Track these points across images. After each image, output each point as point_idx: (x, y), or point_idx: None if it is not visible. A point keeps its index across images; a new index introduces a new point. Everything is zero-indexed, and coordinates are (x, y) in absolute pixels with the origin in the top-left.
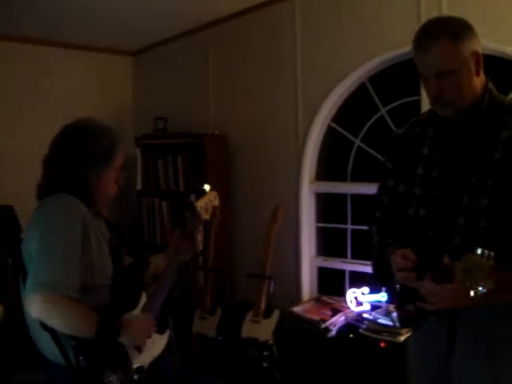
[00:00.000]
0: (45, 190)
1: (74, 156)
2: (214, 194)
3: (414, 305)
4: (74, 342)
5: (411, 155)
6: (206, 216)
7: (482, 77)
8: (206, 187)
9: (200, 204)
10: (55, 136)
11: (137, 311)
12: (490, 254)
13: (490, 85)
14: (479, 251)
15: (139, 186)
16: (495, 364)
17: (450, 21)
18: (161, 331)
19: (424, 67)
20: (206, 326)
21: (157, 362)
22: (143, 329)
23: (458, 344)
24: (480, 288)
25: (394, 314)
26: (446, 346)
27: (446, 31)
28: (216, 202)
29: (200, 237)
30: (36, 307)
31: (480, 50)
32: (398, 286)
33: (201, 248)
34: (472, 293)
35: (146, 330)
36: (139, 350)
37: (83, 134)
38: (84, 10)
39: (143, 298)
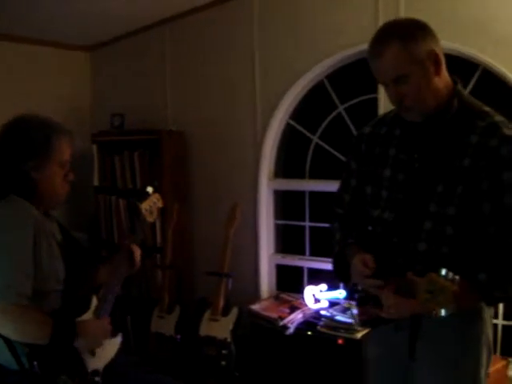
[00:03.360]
0: None
1: (11, 151)
2: (157, 196)
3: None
4: (27, 349)
5: (378, 156)
6: (150, 219)
7: (446, 77)
8: (149, 189)
9: (144, 207)
10: None
11: (88, 314)
12: (454, 278)
13: (460, 86)
14: (443, 272)
15: (96, 183)
16: (454, 370)
17: (402, 23)
18: (113, 333)
19: (379, 74)
20: (165, 324)
21: (113, 363)
22: (100, 332)
23: (418, 350)
24: (442, 311)
25: (354, 311)
26: (408, 352)
27: (397, 35)
28: (160, 204)
29: (138, 253)
30: None
31: (438, 50)
32: (360, 287)
33: (139, 263)
34: (433, 313)
35: (103, 332)
36: (93, 353)
37: (18, 128)
38: (40, 5)
39: (94, 301)
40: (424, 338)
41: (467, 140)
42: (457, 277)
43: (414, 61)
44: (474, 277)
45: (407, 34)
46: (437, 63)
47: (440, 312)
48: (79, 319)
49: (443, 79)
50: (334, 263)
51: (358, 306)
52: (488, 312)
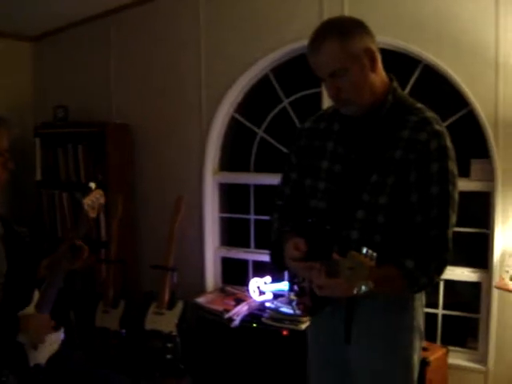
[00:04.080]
0: None
1: None
2: (100, 191)
3: (311, 294)
4: None
5: (316, 150)
6: (92, 214)
7: (382, 74)
8: (92, 185)
9: (87, 202)
10: None
11: (30, 308)
12: (372, 255)
13: (395, 84)
14: (364, 250)
15: (38, 177)
16: (388, 355)
17: (339, 21)
18: (55, 327)
19: (317, 69)
20: (109, 319)
21: (57, 358)
22: (42, 327)
23: (354, 335)
24: (362, 287)
25: (294, 302)
26: (344, 335)
27: (335, 31)
28: (102, 200)
29: (85, 249)
30: None
31: (374, 47)
32: (297, 280)
33: (85, 259)
34: (355, 291)
35: (45, 327)
36: (35, 347)
37: None
38: None
39: (36, 295)
40: (358, 323)
41: (399, 134)
42: (374, 254)
43: (350, 56)
44: (401, 263)
45: (344, 30)
46: (373, 60)
47: (361, 289)
48: (21, 313)
49: (379, 76)
50: (271, 251)
51: (297, 296)
52: (418, 300)
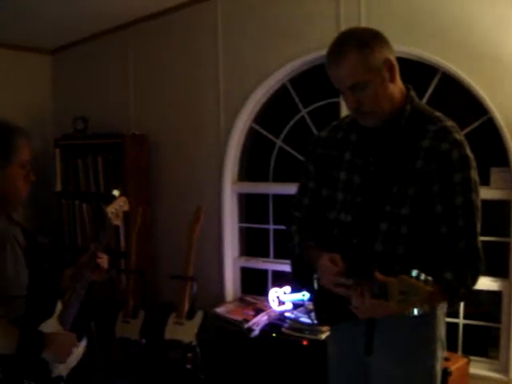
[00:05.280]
0: None
1: None
2: (124, 199)
3: (333, 306)
4: None
5: (333, 159)
6: (116, 222)
7: (400, 84)
8: (116, 192)
9: (110, 210)
10: None
11: (53, 319)
12: (427, 279)
13: (412, 93)
14: (414, 273)
15: (58, 188)
16: (411, 365)
17: (358, 33)
18: (78, 339)
19: (337, 82)
20: (129, 329)
21: (79, 369)
22: (66, 346)
23: (375, 345)
24: (415, 311)
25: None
26: (365, 347)
27: (354, 44)
28: (126, 207)
29: (105, 259)
30: None
31: (393, 58)
32: (316, 287)
33: (105, 269)
34: (406, 313)
35: (69, 346)
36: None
37: None
38: (2, 9)
39: (59, 306)
40: (380, 334)
41: (419, 143)
42: (430, 278)
43: (371, 69)
44: (440, 276)
45: (364, 43)
46: (391, 70)
47: (413, 312)
48: (44, 326)
49: (397, 86)
50: (293, 266)
51: (315, 306)
52: (440, 310)
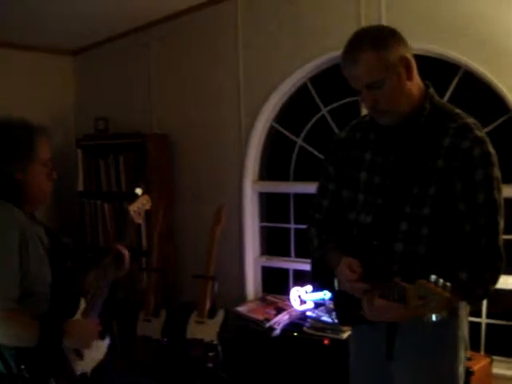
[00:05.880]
0: None
1: None
2: (146, 197)
3: (353, 307)
4: (14, 352)
5: (354, 160)
6: (138, 220)
7: (418, 81)
8: (138, 191)
9: (133, 208)
10: None
11: (76, 317)
12: (445, 285)
13: (432, 90)
14: (433, 278)
15: (80, 188)
16: (434, 366)
17: (372, 31)
18: (101, 336)
19: (353, 81)
20: (151, 328)
21: (100, 366)
22: (88, 331)
23: (397, 347)
24: (433, 316)
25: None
26: (386, 350)
27: (369, 42)
28: (148, 206)
29: (127, 255)
30: None
31: (409, 55)
32: (336, 287)
33: (127, 266)
34: (425, 319)
35: (91, 332)
36: (81, 356)
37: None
38: (25, 10)
39: (82, 304)
40: (402, 335)
41: (440, 142)
42: (448, 283)
43: (386, 67)
44: (455, 276)
45: (379, 41)
46: (408, 68)
47: (431, 317)
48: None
49: (415, 83)
50: (314, 269)
51: (335, 306)
52: (464, 309)
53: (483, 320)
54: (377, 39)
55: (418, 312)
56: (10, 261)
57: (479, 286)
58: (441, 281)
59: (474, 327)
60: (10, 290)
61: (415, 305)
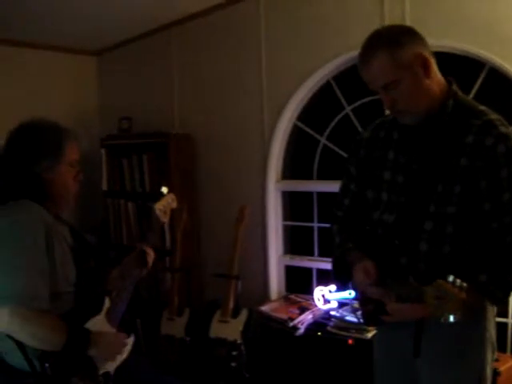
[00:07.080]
0: (1, 194)
1: (23, 153)
2: (172, 196)
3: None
4: (39, 351)
5: (377, 160)
6: (164, 219)
7: (439, 78)
8: (164, 189)
9: (158, 207)
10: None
11: (101, 316)
12: (462, 285)
13: (455, 87)
14: (451, 279)
15: (104, 187)
16: (461, 368)
17: (387, 31)
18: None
19: (369, 83)
20: (174, 327)
21: (125, 365)
22: (115, 345)
23: (423, 348)
24: (451, 317)
25: (359, 312)
26: (413, 348)
27: (382, 43)
28: (174, 204)
29: (152, 254)
30: (3, 321)
31: (426, 53)
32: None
33: (150, 265)
34: (442, 319)
35: (118, 346)
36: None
37: (29, 131)
38: (47, 10)
39: (107, 303)
40: (429, 336)
41: (463, 140)
42: (464, 284)
43: (401, 67)
44: (474, 277)
45: (393, 41)
46: (425, 66)
47: (449, 318)
48: (92, 323)
49: (435, 81)
50: (334, 267)
51: (361, 305)
52: (491, 310)
53: (510, 320)
54: (390, 39)
55: (436, 312)
56: (39, 260)
57: (499, 289)
58: (458, 281)
59: (501, 327)
60: (40, 290)
61: (432, 305)
